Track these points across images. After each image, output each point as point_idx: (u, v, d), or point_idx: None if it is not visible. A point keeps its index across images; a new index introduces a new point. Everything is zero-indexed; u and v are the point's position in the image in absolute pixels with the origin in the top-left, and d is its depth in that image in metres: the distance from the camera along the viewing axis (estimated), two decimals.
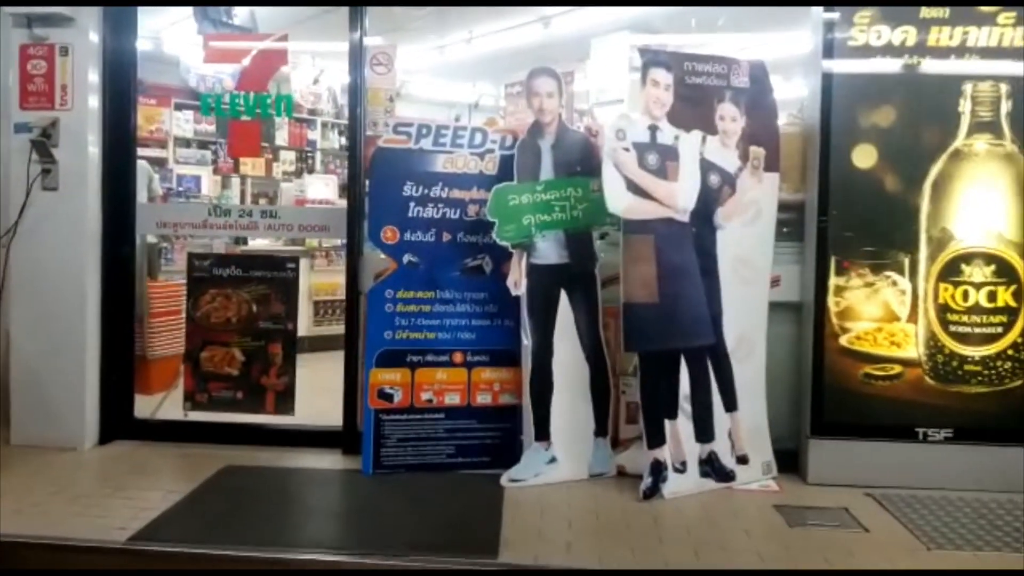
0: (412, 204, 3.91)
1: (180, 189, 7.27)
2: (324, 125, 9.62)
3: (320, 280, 7.16)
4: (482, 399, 3.96)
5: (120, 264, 4.31)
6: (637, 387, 3.93)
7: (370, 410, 3.87)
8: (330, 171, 9.42)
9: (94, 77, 4.11)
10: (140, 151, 8.39)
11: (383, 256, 3.97)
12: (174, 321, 4.84)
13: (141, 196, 6.18)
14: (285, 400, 4.33)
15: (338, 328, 7.34)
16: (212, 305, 4.35)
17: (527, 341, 3.76)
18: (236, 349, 4.33)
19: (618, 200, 3.58)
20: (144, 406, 4.59)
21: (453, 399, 3.93)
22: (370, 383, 3.87)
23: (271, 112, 4.23)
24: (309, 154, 9.44)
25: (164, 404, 4.75)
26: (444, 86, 10.28)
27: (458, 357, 3.95)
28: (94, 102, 4.13)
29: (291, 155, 9.31)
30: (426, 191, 3.92)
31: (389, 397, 3.88)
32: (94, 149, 4.14)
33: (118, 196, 4.27)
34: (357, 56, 4.20)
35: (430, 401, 3.91)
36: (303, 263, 5.38)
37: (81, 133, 4.08)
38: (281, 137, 9.23)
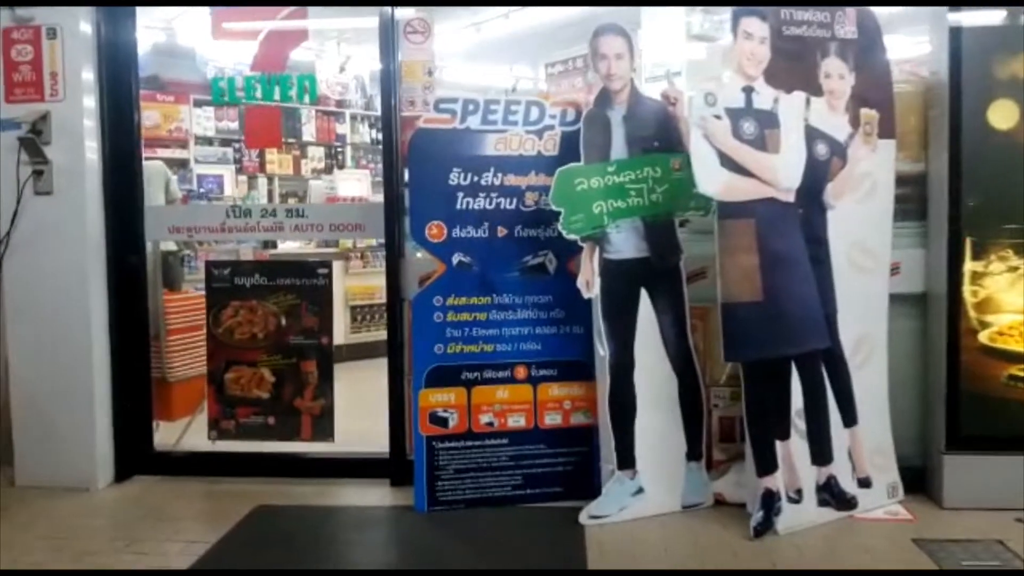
0: (460, 194, 3.33)
1: (201, 191, 6.75)
2: (353, 118, 9.07)
3: (356, 284, 6.63)
4: (551, 420, 3.38)
5: (129, 275, 3.79)
6: (729, 399, 3.34)
7: (421, 437, 3.30)
8: (362, 166, 8.89)
9: (88, 65, 3.58)
10: (159, 152, 8.09)
11: (428, 256, 3.39)
12: (196, 337, 4.31)
13: (158, 199, 5.74)
14: (323, 424, 3.79)
15: (378, 334, 6.86)
16: (235, 320, 3.81)
17: (603, 351, 3.16)
18: (265, 369, 3.79)
19: (710, 178, 2.96)
20: (168, 434, 4.08)
21: (517, 421, 3.35)
22: (420, 406, 3.30)
23: (291, 95, 3.67)
24: (339, 149, 8.90)
25: (188, 431, 4.23)
26: (478, 71, 9.66)
27: (521, 372, 3.37)
28: (90, 93, 3.60)
29: (319, 151, 8.78)
30: (476, 178, 3.34)
31: (443, 422, 3.31)
32: (92, 146, 3.62)
33: (123, 199, 3.74)
34: (388, 31, 3.62)
35: (490, 425, 3.34)
36: (336, 267, 4.80)
37: (76, 128, 3.55)
38: (308, 132, 8.70)
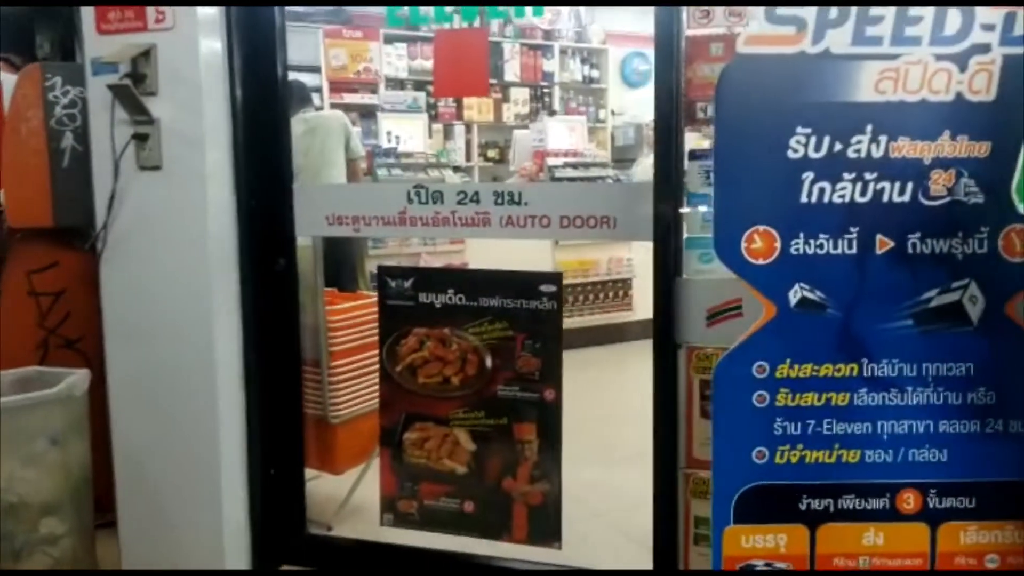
0: (808, 176, 1.83)
1: (390, 146, 5.60)
2: (563, 52, 7.65)
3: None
4: None
5: (272, 283, 2.62)
6: None
7: None
8: (571, 111, 7.47)
9: None
10: (346, 98, 7.07)
11: (724, 276, 1.94)
12: (373, 359, 3.12)
13: (337, 159, 4.64)
14: (543, 519, 2.48)
15: (584, 319, 5.57)
16: (419, 355, 2.55)
17: None
18: (461, 431, 2.53)
19: None
20: (329, 489, 2.96)
21: None
22: (724, 552, 1.88)
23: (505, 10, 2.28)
24: (546, 90, 7.53)
25: (358, 489, 3.10)
26: None
27: (910, 500, 1.86)
28: (212, 23, 2.39)
29: (523, 93, 7.45)
30: (839, 145, 1.82)
31: None
32: (218, 95, 2.43)
33: (264, 175, 2.55)
34: None
35: None
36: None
37: (192, 70, 2.37)
38: (511, 71, 7.39)
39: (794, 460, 1.86)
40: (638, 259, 5.75)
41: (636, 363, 2.74)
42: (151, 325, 2.52)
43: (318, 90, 6.50)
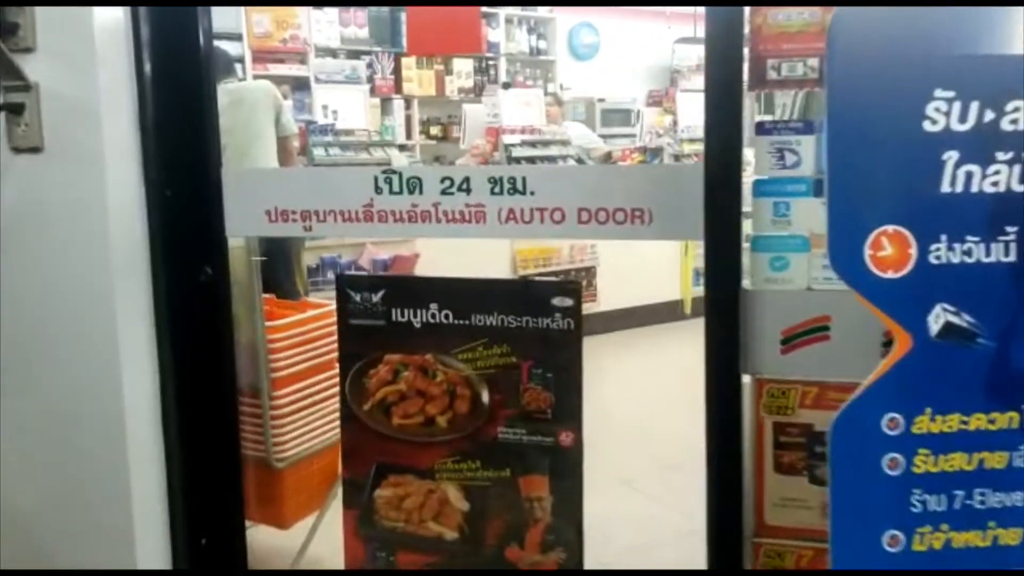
0: (950, 158, 1.33)
1: (327, 122, 4.94)
2: (508, 21, 7.08)
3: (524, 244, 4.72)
4: None
5: (197, 300, 2.01)
6: None
7: None
8: (519, 85, 6.92)
9: None
10: (271, 69, 6.35)
11: (797, 286, 1.47)
12: (321, 387, 2.54)
13: (267, 135, 4.00)
14: None
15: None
16: (393, 389, 1.99)
17: None
18: (450, 486, 1.98)
19: None
20: (276, 541, 2.38)
21: None
22: None
23: None
24: (491, 62, 6.95)
25: (312, 542, 2.54)
26: None
27: None
28: None
29: (467, 64, 6.86)
30: (990, 115, 1.33)
31: None
32: (117, 52, 1.80)
33: (183, 159, 1.94)
34: None
35: None
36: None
37: (83, 17, 1.74)
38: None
39: (937, 546, 1.37)
40: (602, 246, 5.27)
41: (611, 363, 2.23)
42: (36, 356, 1.89)
43: (240, 60, 5.79)
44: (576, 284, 1.90)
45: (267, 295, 2.64)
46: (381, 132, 5.08)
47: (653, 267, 5.41)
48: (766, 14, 1.65)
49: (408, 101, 6.58)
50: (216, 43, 4.24)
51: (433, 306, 1.95)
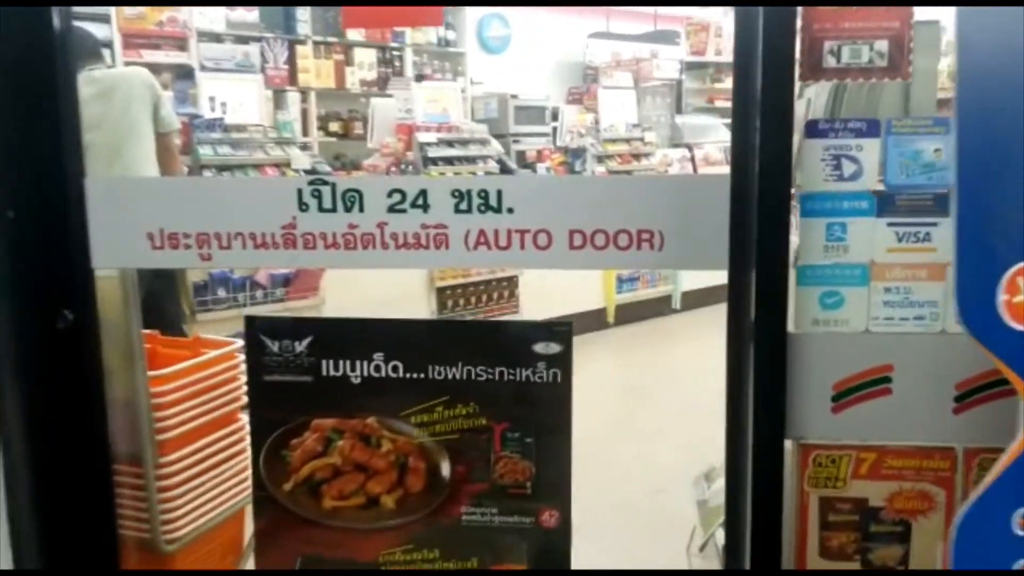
0: None
1: (215, 116, 4.34)
2: None
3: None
4: None
5: (55, 352, 1.50)
6: None
7: None
8: (428, 77, 6.46)
9: None
10: (147, 54, 5.65)
11: (845, 327, 1.16)
12: (220, 446, 2.03)
13: (143, 131, 3.44)
14: None
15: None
16: (323, 463, 1.53)
17: None
18: None
19: None
20: None
21: None
22: None
23: None
24: (396, 53, 6.46)
25: None
26: None
27: None
28: None
29: (370, 55, 6.35)
30: None
31: None
32: None
33: (33, 166, 1.42)
34: None
35: None
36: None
37: None
38: (354, 30, 6.25)
39: None
40: None
41: None
42: None
43: (108, 45, 5.10)
44: (566, 326, 1.49)
45: (148, 331, 2.11)
46: (279, 128, 4.54)
47: (577, 276, 5.07)
48: None
49: (304, 93, 6.02)
50: (78, 24, 3.65)
51: (377, 356, 1.50)
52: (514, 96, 6.40)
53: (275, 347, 1.50)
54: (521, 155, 6.35)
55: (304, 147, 5.16)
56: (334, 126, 6.16)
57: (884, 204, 1.33)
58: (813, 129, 1.32)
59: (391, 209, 1.44)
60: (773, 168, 1.29)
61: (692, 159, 6.55)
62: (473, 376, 1.49)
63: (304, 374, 1.51)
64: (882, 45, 1.27)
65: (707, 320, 5.32)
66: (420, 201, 1.44)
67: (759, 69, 1.31)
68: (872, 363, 1.34)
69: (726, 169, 1.30)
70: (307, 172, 4.14)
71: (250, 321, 1.53)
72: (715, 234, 1.38)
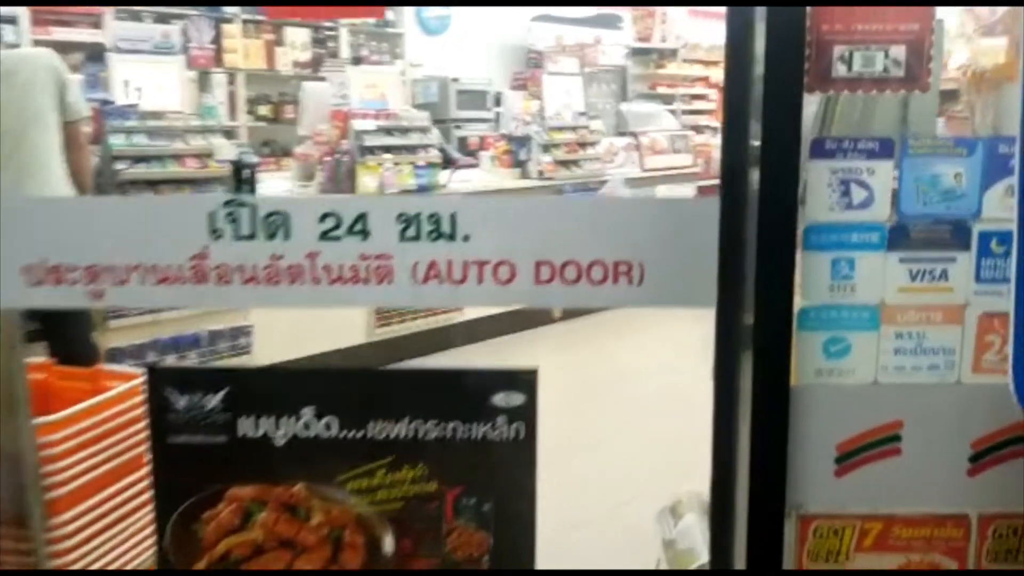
0: None
1: (129, 102, 3.98)
2: None
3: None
4: None
5: None
6: None
7: None
8: (367, 60, 6.16)
9: None
10: (56, 32, 5.21)
11: (846, 379, 0.99)
12: (126, 499, 1.77)
13: (46, 121, 3.13)
14: None
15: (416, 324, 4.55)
16: (242, 539, 1.29)
17: None
18: None
19: None
20: None
21: None
22: None
23: None
24: (330, 32, 6.13)
25: None
26: None
27: None
28: None
29: (303, 34, 6.00)
30: None
31: None
32: None
33: None
34: None
35: None
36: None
37: None
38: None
39: None
40: None
41: None
42: None
43: (12, 21, 4.68)
44: (531, 373, 1.27)
45: (45, 358, 1.83)
46: (202, 113, 4.19)
47: None
48: None
49: (231, 75, 5.65)
50: None
51: (306, 411, 1.26)
52: (455, 80, 6.13)
53: (182, 403, 1.25)
54: (463, 142, 6.11)
55: (230, 134, 4.83)
56: (263, 110, 5.81)
57: (896, 237, 1.15)
58: (819, 148, 1.12)
59: (324, 236, 1.21)
60: (777, 196, 1.09)
61: (638, 147, 6.39)
62: (421, 434, 1.27)
63: (217, 434, 1.26)
64: (898, 51, 1.08)
65: (659, 310, 5.20)
66: (359, 227, 1.20)
67: (752, 78, 1.12)
68: (881, 419, 1.16)
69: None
70: (232, 163, 3.83)
71: (151, 373, 1.27)
72: (703, 267, 1.18)
